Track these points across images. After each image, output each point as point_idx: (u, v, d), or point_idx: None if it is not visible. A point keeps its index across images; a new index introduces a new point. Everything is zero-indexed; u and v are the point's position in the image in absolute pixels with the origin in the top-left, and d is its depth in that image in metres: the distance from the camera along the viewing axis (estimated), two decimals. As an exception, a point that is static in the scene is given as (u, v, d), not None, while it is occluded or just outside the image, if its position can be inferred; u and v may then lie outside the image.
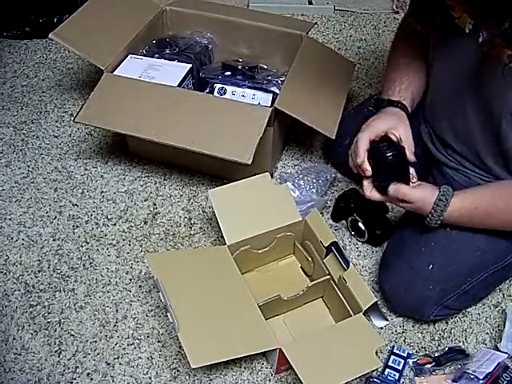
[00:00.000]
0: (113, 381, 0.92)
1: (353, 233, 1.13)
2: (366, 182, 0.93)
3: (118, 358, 0.94)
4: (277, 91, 1.19)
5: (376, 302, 0.89)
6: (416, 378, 0.92)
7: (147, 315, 1.00)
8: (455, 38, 0.88)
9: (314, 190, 1.18)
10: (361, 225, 1.10)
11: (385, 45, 1.65)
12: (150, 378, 0.92)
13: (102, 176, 1.25)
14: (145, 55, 1.26)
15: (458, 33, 0.86)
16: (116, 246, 1.11)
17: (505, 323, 0.97)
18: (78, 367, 0.93)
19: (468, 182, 0.96)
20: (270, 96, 1.19)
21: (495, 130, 0.87)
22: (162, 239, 1.12)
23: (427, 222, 0.90)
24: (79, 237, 1.12)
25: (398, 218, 1.15)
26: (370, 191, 0.92)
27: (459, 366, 0.92)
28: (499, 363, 0.89)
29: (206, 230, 1.14)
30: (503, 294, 1.04)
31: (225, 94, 1.20)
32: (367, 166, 0.90)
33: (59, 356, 0.94)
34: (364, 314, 0.88)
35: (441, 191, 0.88)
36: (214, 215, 0.98)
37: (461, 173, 0.99)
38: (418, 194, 0.89)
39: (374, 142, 0.92)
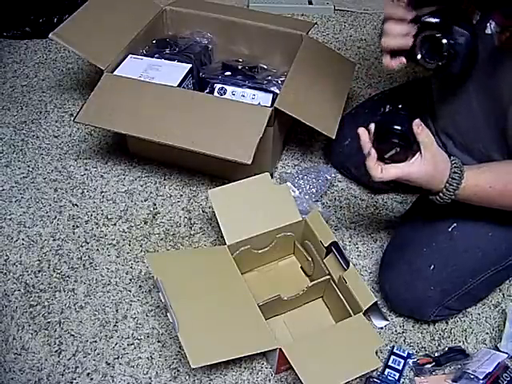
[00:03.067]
0: (113, 381, 0.92)
1: (420, 55, 0.84)
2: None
3: (118, 358, 0.94)
4: (277, 91, 1.19)
5: (376, 301, 0.89)
6: (416, 378, 0.92)
7: (147, 315, 1.00)
8: None
9: (314, 190, 1.18)
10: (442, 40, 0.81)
11: (385, 45, 1.65)
12: (149, 377, 0.92)
13: (102, 176, 1.25)
14: (145, 55, 1.26)
15: None
16: (116, 245, 1.11)
17: (505, 323, 0.97)
18: (77, 367, 0.93)
19: None
20: (270, 96, 1.19)
21: (502, 122, 0.85)
22: (162, 239, 1.12)
23: (438, 199, 0.83)
24: (79, 237, 1.12)
25: (398, 218, 1.15)
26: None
27: (459, 366, 0.92)
28: (499, 363, 0.89)
29: (206, 229, 1.14)
30: (503, 294, 1.04)
31: (225, 94, 1.20)
32: None
33: (59, 356, 0.94)
34: (364, 314, 0.88)
35: (453, 163, 0.81)
36: (214, 215, 0.98)
37: None
38: (416, 170, 0.79)
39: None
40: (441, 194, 0.83)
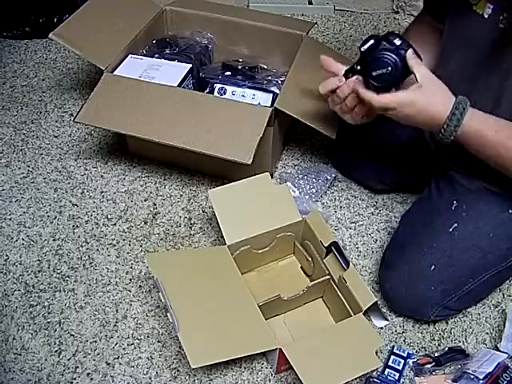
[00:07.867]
0: (113, 381, 0.92)
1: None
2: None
3: (118, 358, 0.94)
4: (277, 91, 1.19)
5: (376, 301, 0.89)
6: (416, 378, 0.92)
7: (147, 315, 1.00)
8: (474, 25, 0.86)
9: (314, 190, 1.18)
10: None
11: (385, 45, 1.65)
12: (149, 377, 0.92)
13: (102, 176, 1.25)
14: (145, 55, 1.26)
15: (477, 19, 0.85)
16: (116, 245, 1.11)
17: (505, 323, 0.97)
18: (77, 367, 0.93)
19: (475, 187, 0.95)
20: (270, 96, 1.19)
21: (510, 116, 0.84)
22: (161, 239, 1.12)
23: (442, 132, 0.81)
24: (79, 237, 1.12)
25: (398, 218, 1.15)
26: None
27: (459, 366, 0.92)
28: (499, 363, 0.89)
29: (206, 229, 1.14)
30: (503, 294, 1.04)
31: (225, 94, 1.20)
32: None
33: (59, 356, 0.94)
34: (364, 314, 0.88)
35: (458, 97, 0.81)
36: (214, 215, 0.98)
37: (467, 175, 0.97)
38: (403, 95, 0.81)
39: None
40: (445, 126, 0.81)
